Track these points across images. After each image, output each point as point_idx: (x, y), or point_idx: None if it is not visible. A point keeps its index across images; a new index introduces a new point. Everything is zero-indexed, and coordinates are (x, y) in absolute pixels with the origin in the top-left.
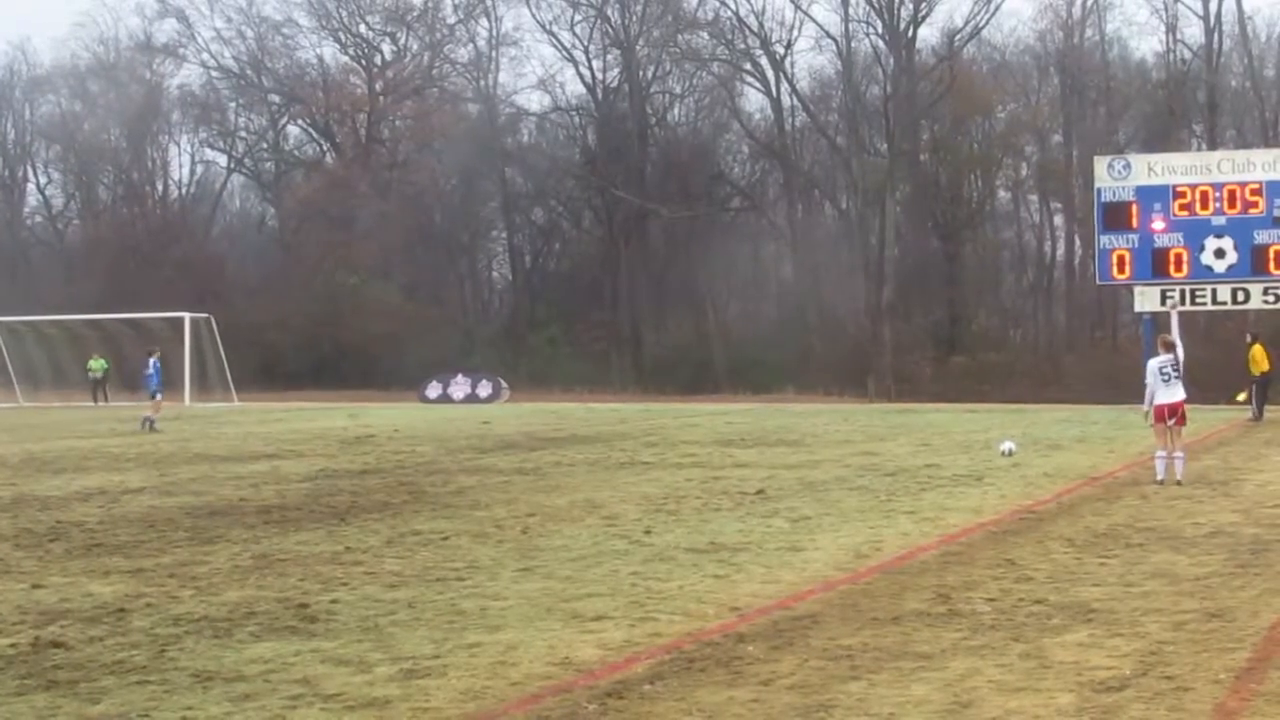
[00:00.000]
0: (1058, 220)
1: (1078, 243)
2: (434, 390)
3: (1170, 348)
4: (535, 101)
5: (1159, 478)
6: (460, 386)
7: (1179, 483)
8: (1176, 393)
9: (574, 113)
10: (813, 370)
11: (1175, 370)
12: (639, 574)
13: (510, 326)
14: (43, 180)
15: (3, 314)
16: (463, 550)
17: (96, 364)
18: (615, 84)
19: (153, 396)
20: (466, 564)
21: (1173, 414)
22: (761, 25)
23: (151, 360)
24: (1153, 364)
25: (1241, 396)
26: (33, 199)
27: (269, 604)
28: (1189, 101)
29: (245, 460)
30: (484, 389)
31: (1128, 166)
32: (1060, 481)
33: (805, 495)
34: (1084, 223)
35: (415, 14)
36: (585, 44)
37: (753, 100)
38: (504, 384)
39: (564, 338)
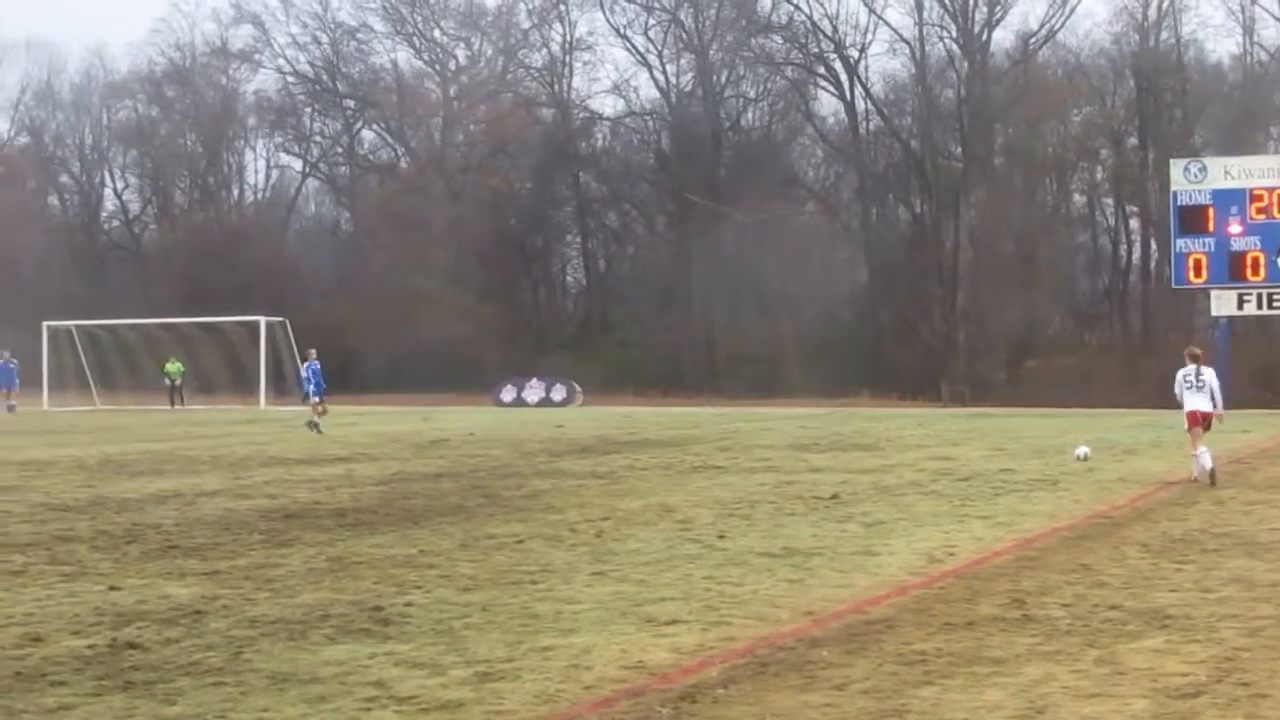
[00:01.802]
0: (1133, 224)
1: (1153, 246)
2: (508, 394)
3: (1196, 359)
4: (609, 106)
5: (1194, 476)
6: (534, 390)
7: (1213, 477)
8: (1199, 401)
9: (648, 117)
10: (886, 374)
11: (1198, 380)
12: (712, 578)
13: (584, 330)
14: (119, 185)
15: (80, 317)
16: (536, 554)
17: (173, 367)
18: (689, 88)
19: (306, 399)
20: (540, 567)
21: (1201, 420)
22: (835, 29)
23: (308, 364)
24: (1179, 374)
25: None
26: (109, 203)
27: (344, 606)
28: (1266, 104)
29: (320, 463)
30: (558, 392)
31: (1204, 170)
32: (1135, 486)
33: (879, 500)
34: (1160, 226)
35: (489, 19)
36: (659, 48)
37: (826, 104)
38: (578, 387)
39: (637, 341)
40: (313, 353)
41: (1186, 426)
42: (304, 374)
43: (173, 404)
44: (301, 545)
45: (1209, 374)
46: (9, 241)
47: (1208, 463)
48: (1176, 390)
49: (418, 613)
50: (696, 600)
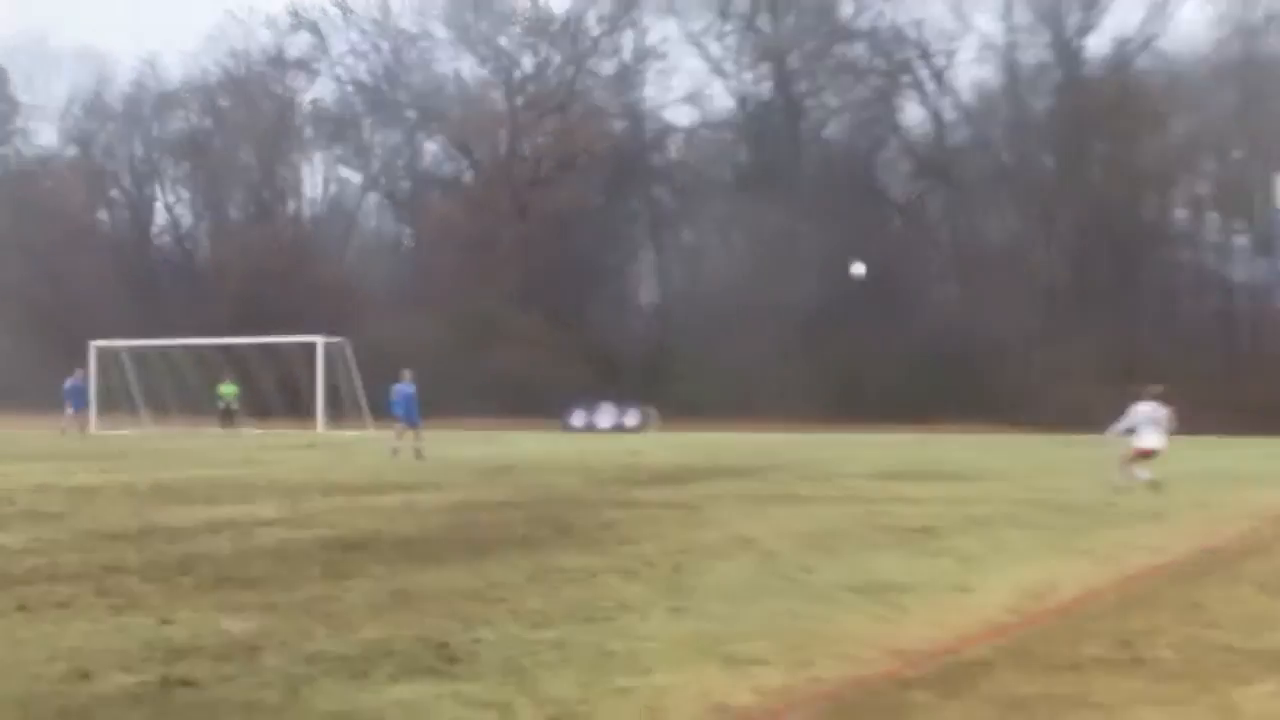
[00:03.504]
0: (1240, 240)
1: (1263, 264)
2: (579, 418)
3: (1157, 397)
4: (683, 116)
5: (1125, 484)
6: (606, 415)
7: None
8: (1156, 440)
9: (724, 128)
10: (976, 397)
11: (1158, 419)
12: (796, 614)
13: (658, 351)
14: (171, 199)
15: (130, 337)
16: (611, 588)
17: (227, 390)
18: (767, 98)
19: (408, 424)
20: (615, 602)
21: (1149, 456)
22: (921, 35)
23: (400, 386)
24: (1139, 408)
25: None
26: (160, 218)
27: (407, 643)
28: None
29: (381, 491)
30: (631, 417)
31: None
32: (1249, 519)
33: (972, 532)
34: (1267, 243)
35: (557, 26)
36: (735, 56)
37: (912, 114)
38: (652, 412)
39: (714, 363)
40: (407, 374)
41: (1132, 457)
42: (399, 397)
43: (225, 427)
44: (363, 577)
45: (1166, 413)
46: (56, 258)
47: (1146, 474)
48: (1128, 424)
49: (486, 650)
50: (780, 638)
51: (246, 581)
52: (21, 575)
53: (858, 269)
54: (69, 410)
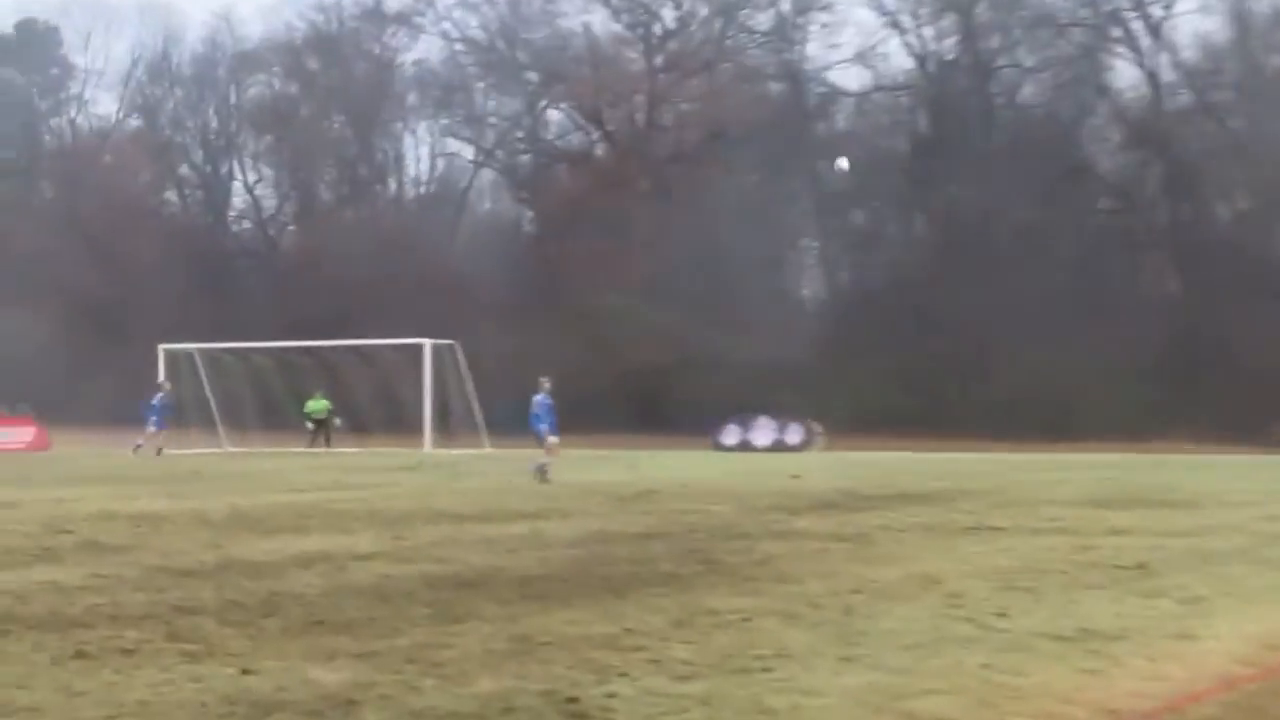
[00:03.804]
0: None
1: None
2: (731, 435)
3: None
4: (853, 78)
5: None
6: (764, 431)
7: None
8: None
9: (901, 92)
10: (1205, 412)
11: None
12: (989, 666)
13: (824, 356)
14: (251, 178)
15: (203, 338)
16: (769, 634)
17: (317, 406)
18: (951, 56)
19: (541, 439)
20: (774, 651)
21: None
22: None
23: (539, 397)
24: None
25: None
26: (239, 200)
27: (530, 697)
28: None
29: (499, 520)
30: (793, 434)
31: None
32: None
33: (1198, 570)
34: None
35: None
36: (914, 7)
37: (1124, 75)
38: (818, 428)
39: (891, 370)
40: (546, 382)
41: None
42: (539, 410)
43: (313, 445)
44: (477, 621)
45: None
46: (118, 245)
47: None
48: None
49: (622, 706)
50: (969, 694)
51: (341, 625)
52: (79, 617)
53: (841, 164)
54: (150, 428)
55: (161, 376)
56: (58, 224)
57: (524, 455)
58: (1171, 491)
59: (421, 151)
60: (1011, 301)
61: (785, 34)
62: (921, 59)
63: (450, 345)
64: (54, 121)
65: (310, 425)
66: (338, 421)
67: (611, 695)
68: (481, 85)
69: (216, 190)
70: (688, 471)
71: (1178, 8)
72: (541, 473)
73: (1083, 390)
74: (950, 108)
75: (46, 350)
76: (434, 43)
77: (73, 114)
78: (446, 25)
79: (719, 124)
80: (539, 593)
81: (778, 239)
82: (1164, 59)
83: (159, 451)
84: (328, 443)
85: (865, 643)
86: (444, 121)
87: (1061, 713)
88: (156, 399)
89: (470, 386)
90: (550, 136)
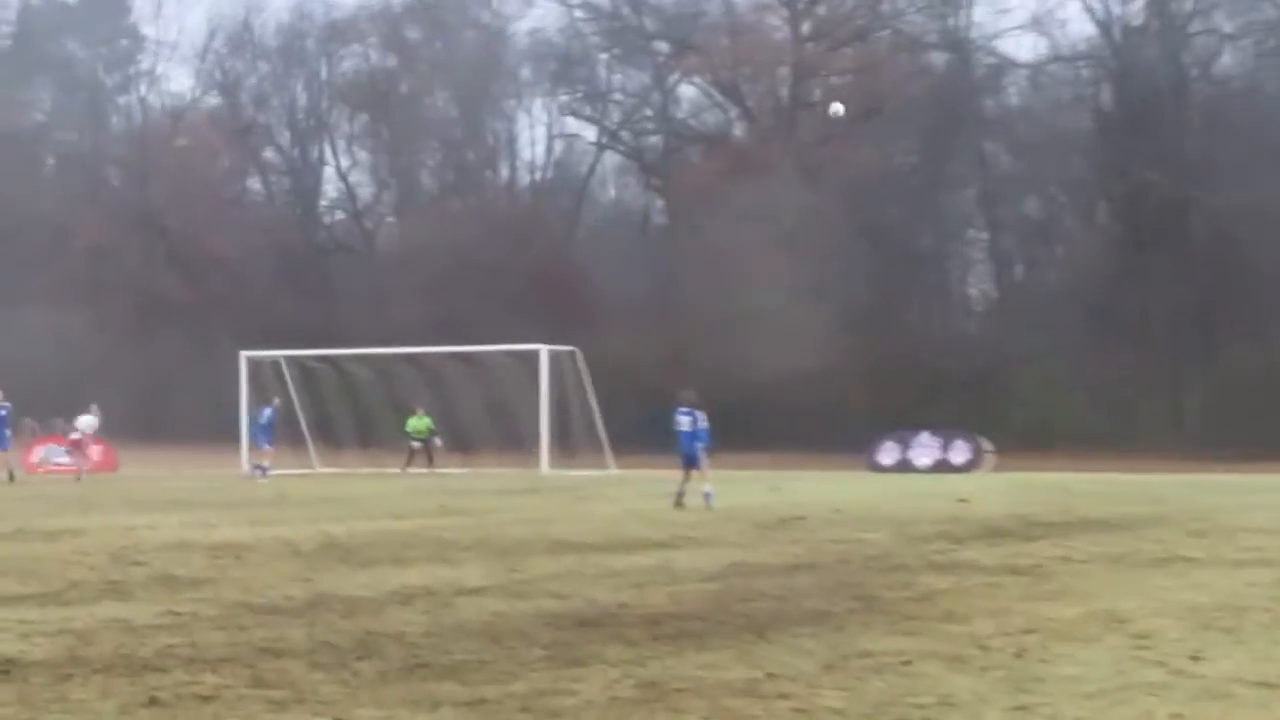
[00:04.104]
0: None
1: None
2: (888, 454)
3: None
4: (1026, 48)
5: None
6: (926, 449)
7: None
8: None
9: (1081, 63)
10: None
11: None
12: (1181, 716)
13: (994, 364)
14: (344, 163)
15: (290, 345)
16: (931, 679)
17: (419, 423)
18: (1139, 21)
19: (690, 463)
20: (937, 698)
21: None
22: None
23: (687, 410)
24: None
25: None
26: (331, 188)
27: None
28: None
29: (626, 550)
30: (959, 452)
31: None
32: None
33: None
34: None
35: None
36: None
37: None
38: (987, 445)
39: (1071, 380)
40: (691, 394)
41: None
42: (685, 427)
43: (412, 465)
44: (600, 664)
45: None
46: (195, 240)
47: None
48: None
49: None
50: None
51: (447, 669)
52: (152, 659)
53: (837, 108)
54: (264, 447)
55: (242, 386)
56: (126, 216)
57: (654, 477)
58: None
59: (537, 133)
60: (1208, 300)
61: None
62: (1105, 25)
63: (570, 351)
64: (122, 100)
65: (418, 445)
66: (438, 441)
67: None
68: (604, 57)
69: (305, 178)
70: (839, 495)
71: None
72: (677, 499)
73: None
74: (1138, 80)
75: (113, 358)
76: (551, 9)
77: (143, 92)
78: None
79: (873, 100)
80: (670, 633)
81: (940, 230)
82: None
83: (260, 471)
84: (430, 463)
85: (1040, 690)
86: (562, 98)
87: None
88: (265, 415)
89: (593, 398)
90: (682, 115)
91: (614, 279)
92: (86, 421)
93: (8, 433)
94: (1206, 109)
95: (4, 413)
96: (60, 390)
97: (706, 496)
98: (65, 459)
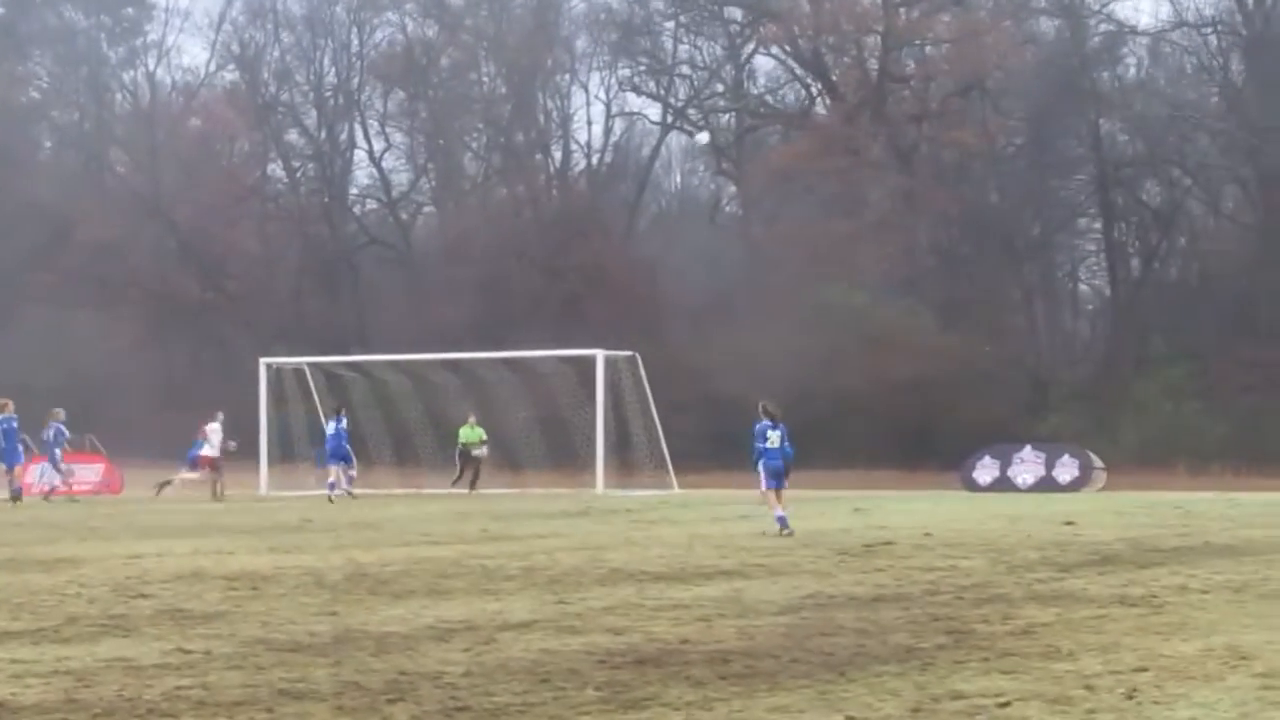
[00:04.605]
0: None
1: None
2: (986, 471)
3: None
4: (1146, 13)
5: None
6: (1028, 465)
7: None
8: None
9: (1208, 29)
10: None
11: None
12: None
13: (1107, 369)
14: (378, 146)
15: (316, 350)
16: None
17: (471, 434)
18: None
19: (776, 480)
20: None
21: None
22: None
23: (762, 425)
24: None
25: None
26: (363, 174)
27: None
28: None
29: (689, 579)
30: (1065, 470)
31: None
32: None
33: None
34: None
35: None
36: None
37: None
38: (1097, 462)
39: (1194, 387)
40: (770, 405)
41: None
42: (765, 442)
43: (473, 482)
44: (661, 707)
45: None
46: (208, 231)
47: None
48: None
49: None
50: None
51: (488, 713)
52: (158, 703)
53: None
54: (349, 470)
55: (261, 397)
56: (134, 206)
57: (721, 497)
58: None
59: (594, 111)
60: None
61: None
62: None
63: (630, 357)
64: (128, 76)
65: (472, 453)
66: (476, 452)
67: None
68: (671, 26)
69: (335, 163)
70: (930, 517)
71: None
72: (782, 526)
73: None
74: (1271, 49)
75: (120, 365)
76: None
77: (151, 66)
78: None
79: (974, 73)
80: (739, 672)
81: (1049, 218)
82: None
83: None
84: (476, 478)
85: None
86: (623, 73)
87: None
88: (337, 426)
89: (653, 408)
90: (758, 91)
91: (679, 275)
92: (215, 430)
93: (20, 449)
94: None
95: (12, 425)
96: (59, 401)
97: (782, 521)
98: (190, 474)
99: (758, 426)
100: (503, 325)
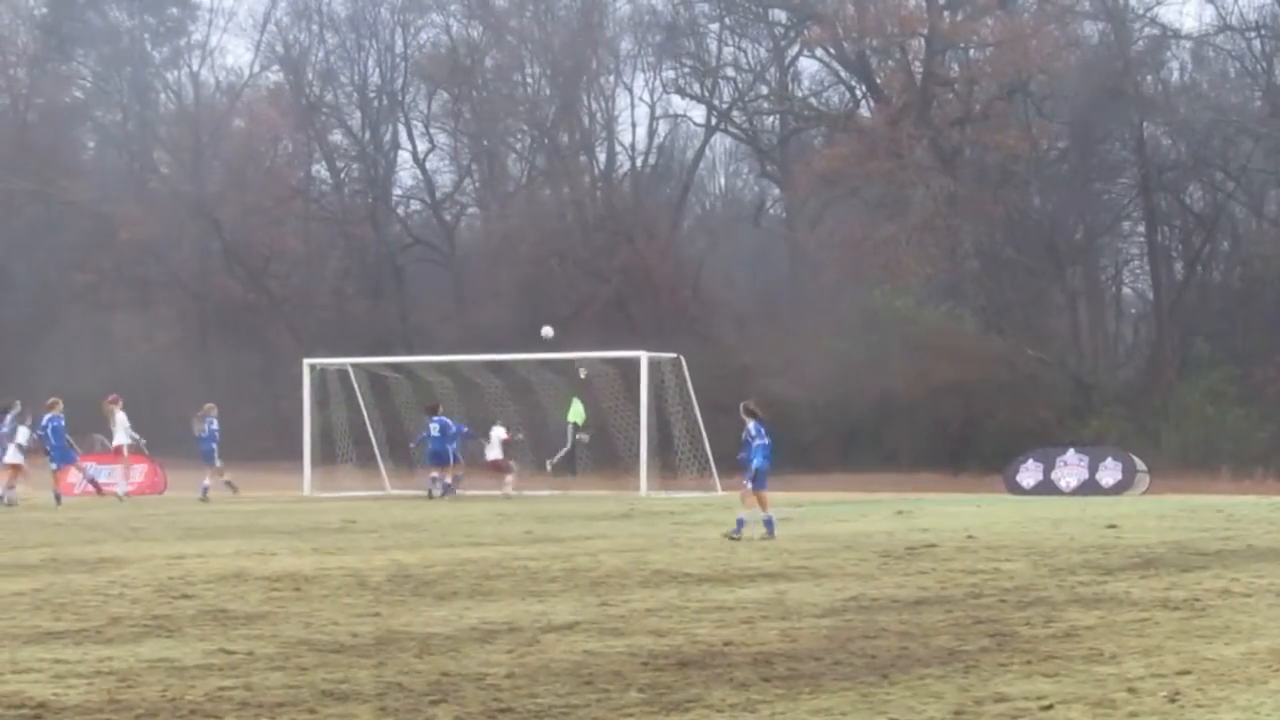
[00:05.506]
0: None
1: None
2: (1029, 475)
3: None
4: (1190, 16)
5: None
6: (1071, 469)
7: None
8: None
9: (1252, 33)
10: None
11: None
12: None
13: (1151, 374)
14: (422, 147)
15: (360, 352)
16: None
17: (578, 414)
18: None
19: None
20: None
21: None
22: None
23: (756, 426)
24: None
25: None
26: (407, 176)
27: None
28: None
29: (733, 582)
30: (1108, 473)
31: None
32: None
33: None
34: None
35: None
36: None
37: None
38: (1140, 465)
39: (1237, 391)
40: (752, 404)
41: None
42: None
43: (559, 473)
44: (704, 709)
45: None
46: (255, 233)
47: None
48: None
49: None
50: None
51: (531, 714)
52: (201, 703)
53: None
54: (455, 469)
55: (305, 398)
56: (177, 206)
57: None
58: None
59: (638, 113)
60: None
61: None
62: None
63: (674, 359)
64: (171, 76)
65: (583, 438)
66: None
67: None
68: (715, 28)
69: (379, 164)
70: (973, 519)
71: None
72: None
73: None
74: None
75: (162, 366)
76: None
77: (195, 66)
78: None
79: (1018, 76)
80: (782, 674)
81: (1092, 221)
82: None
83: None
84: (569, 465)
85: None
86: (667, 74)
87: None
88: (442, 427)
89: (697, 411)
90: (803, 93)
91: (723, 277)
92: (498, 434)
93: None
94: None
95: (60, 423)
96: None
97: (767, 523)
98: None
99: (753, 427)
100: (548, 326)
